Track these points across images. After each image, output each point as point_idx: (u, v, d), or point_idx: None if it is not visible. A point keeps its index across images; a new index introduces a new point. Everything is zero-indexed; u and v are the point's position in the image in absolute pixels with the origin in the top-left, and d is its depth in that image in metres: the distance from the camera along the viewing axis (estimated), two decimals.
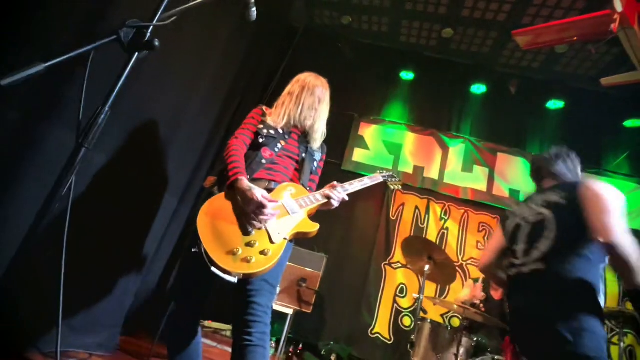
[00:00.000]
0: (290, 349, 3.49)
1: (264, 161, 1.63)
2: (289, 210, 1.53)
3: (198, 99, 2.90)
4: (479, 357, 2.71)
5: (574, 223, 1.47)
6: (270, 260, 1.39)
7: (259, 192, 1.44)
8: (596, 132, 4.63)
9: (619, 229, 1.37)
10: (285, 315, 3.52)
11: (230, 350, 1.45)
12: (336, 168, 4.70)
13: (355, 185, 1.78)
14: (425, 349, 2.90)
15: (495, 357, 2.64)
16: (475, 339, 2.86)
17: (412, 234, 4.59)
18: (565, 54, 4.32)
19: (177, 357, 1.55)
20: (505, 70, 4.81)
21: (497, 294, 3.44)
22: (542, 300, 1.46)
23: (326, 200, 1.61)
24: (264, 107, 1.83)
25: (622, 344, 2.82)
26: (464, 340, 2.77)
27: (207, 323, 3.65)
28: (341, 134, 4.88)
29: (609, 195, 1.45)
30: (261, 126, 1.71)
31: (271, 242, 1.43)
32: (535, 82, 4.77)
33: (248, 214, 1.44)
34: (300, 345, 3.56)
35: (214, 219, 1.45)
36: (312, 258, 3.72)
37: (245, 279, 1.41)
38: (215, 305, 3.16)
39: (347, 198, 1.67)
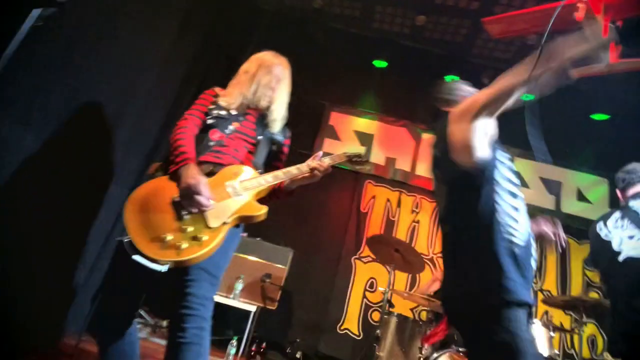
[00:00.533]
0: (253, 348, 3.33)
1: (211, 143, 1.53)
2: (231, 193, 1.41)
3: (152, 78, 2.66)
4: (444, 349, 2.65)
5: None
6: (204, 247, 1.26)
7: (200, 178, 1.33)
8: (563, 125, 4.65)
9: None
10: (248, 312, 3.34)
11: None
12: (305, 158, 4.52)
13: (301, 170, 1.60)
14: (391, 343, 2.83)
15: (460, 350, 2.57)
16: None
17: (383, 227, 4.50)
18: (536, 45, 4.29)
19: (107, 353, 1.40)
20: (478, 61, 4.74)
21: None
22: None
23: (274, 182, 1.52)
24: (217, 88, 1.72)
25: (582, 333, 2.83)
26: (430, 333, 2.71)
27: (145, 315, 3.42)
28: (311, 123, 4.71)
29: None
30: (212, 107, 1.61)
31: (207, 226, 1.31)
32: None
33: (183, 197, 1.32)
34: (264, 344, 3.40)
35: (145, 203, 1.34)
36: (277, 252, 3.55)
37: (182, 268, 1.28)
38: (154, 297, 2.95)
39: (327, 166, 1.59)
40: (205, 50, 3.39)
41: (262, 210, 1.44)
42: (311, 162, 1.58)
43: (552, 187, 4.70)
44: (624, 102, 4.56)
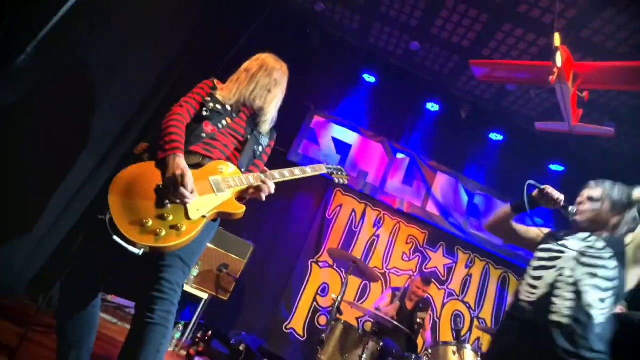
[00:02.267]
0: (199, 335, 3.34)
1: (203, 135, 1.55)
2: (214, 189, 1.45)
3: (139, 55, 2.61)
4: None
5: None
6: (181, 237, 1.30)
7: (187, 171, 1.36)
8: (524, 169, 5.02)
9: None
10: (199, 299, 3.35)
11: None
12: (281, 156, 4.58)
13: (293, 174, 1.69)
14: (334, 348, 2.94)
15: None
16: (381, 343, 2.96)
17: (344, 236, 4.64)
18: (514, 92, 4.59)
19: (65, 325, 1.41)
20: (459, 95, 4.99)
21: (410, 304, 3.60)
22: None
23: (258, 184, 1.54)
24: (216, 81, 1.73)
25: None
26: (371, 344, 2.87)
27: (109, 297, 3.36)
28: (292, 123, 4.76)
29: None
30: (208, 99, 1.63)
31: (187, 217, 1.34)
32: (483, 111, 5.02)
33: (167, 186, 1.34)
34: (210, 332, 3.42)
35: (130, 186, 1.35)
36: (238, 245, 3.58)
37: (158, 253, 1.32)
38: (120, 279, 2.91)
39: (272, 191, 1.57)
40: (198, 34, 3.36)
41: (241, 210, 1.48)
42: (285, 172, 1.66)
43: None
44: (579, 157, 4.99)
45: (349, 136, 4.97)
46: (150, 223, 1.27)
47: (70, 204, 2.57)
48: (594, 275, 1.57)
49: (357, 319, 4.29)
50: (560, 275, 1.61)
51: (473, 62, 3.43)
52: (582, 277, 1.58)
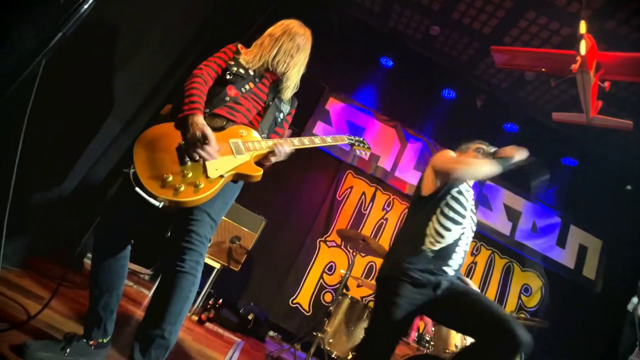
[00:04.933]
0: (210, 302, 3.47)
1: (227, 98, 1.58)
2: (233, 150, 1.50)
3: (166, 21, 2.65)
4: None
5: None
6: (199, 193, 1.36)
7: (207, 130, 1.39)
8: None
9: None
10: (211, 268, 3.47)
11: (147, 292, 1.41)
12: (295, 136, 4.62)
13: (313, 142, 1.73)
14: (340, 321, 3.04)
15: (402, 338, 2.84)
16: None
17: (353, 218, 4.71)
18: (532, 82, 4.56)
19: (97, 270, 1.49)
20: (477, 83, 4.97)
21: None
22: None
23: (274, 149, 1.57)
24: (239, 45, 1.75)
25: None
26: None
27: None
28: (307, 103, 4.79)
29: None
30: (232, 63, 1.65)
31: (206, 176, 1.40)
32: (499, 102, 5.00)
33: (189, 144, 1.39)
34: (220, 300, 3.55)
35: (154, 142, 1.42)
36: (250, 219, 3.67)
37: (187, 208, 1.39)
38: (136, 247, 3.03)
39: (288, 152, 1.62)
40: (221, 7, 3.38)
41: (259, 172, 1.52)
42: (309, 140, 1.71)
43: (512, 215, 5.08)
44: (593, 153, 4.97)
45: (363, 119, 4.99)
46: (170, 178, 1.33)
47: (94, 167, 2.66)
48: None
49: (362, 297, 4.39)
50: (463, 234, 1.77)
51: (494, 48, 3.42)
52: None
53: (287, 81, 1.72)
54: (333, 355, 2.88)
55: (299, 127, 4.73)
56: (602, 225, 5.14)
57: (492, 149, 1.97)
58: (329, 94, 4.97)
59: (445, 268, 1.68)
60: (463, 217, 1.76)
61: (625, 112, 4.28)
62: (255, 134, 1.59)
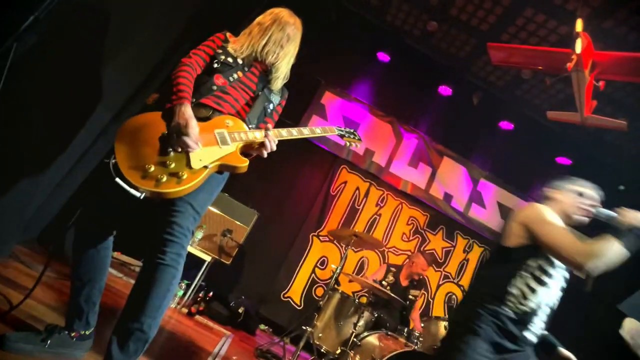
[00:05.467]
0: (200, 295, 3.46)
1: (214, 87, 1.55)
2: (218, 141, 1.46)
3: (159, 10, 2.60)
4: (375, 330, 2.92)
5: None
6: (181, 184, 1.33)
7: (192, 120, 1.37)
8: (531, 161, 5.02)
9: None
10: (202, 261, 3.46)
11: None
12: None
13: (302, 134, 1.68)
14: (329, 315, 3.04)
15: (389, 333, 2.85)
16: (376, 314, 3.06)
17: (346, 213, 4.71)
18: (529, 80, 4.54)
19: (78, 263, 1.46)
20: (473, 80, 4.95)
21: (406, 281, 3.69)
22: None
23: (262, 140, 1.52)
24: (228, 34, 1.70)
25: None
26: (366, 314, 2.96)
27: (116, 254, 3.47)
28: (303, 97, 4.76)
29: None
30: (220, 51, 1.61)
31: (189, 166, 1.37)
32: (495, 99, 4.99)
33: (171, 134, 1.37)
34: (211, 293, 3.54)
35: (136, 132, 1.40)
36: (243, 212, 3.65)
37: (170, 200, 1.37)
38: (127, 238, 3.01)
39: (274, 149, 1.55)
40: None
41: (244, 163, 1.49)
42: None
43: (505, 213, 5.09)
44: (588, 152, 4.98)
45: (359, 114, 4.96)
46: (152, 169, 1.31)
47: (83, 156, 2.62)
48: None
49: (353, 292, 4.40)
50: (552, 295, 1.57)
51: (491, 45, 3.40)
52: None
53: (277, 72, 1.69)
54: (322, 350, 2.89)
55: (294, 120, 4.70)
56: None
57: (607, 214, 1.57)
58: (324, 87, 4.94)
59: (526, 334, 1.51)
60: (552, 277, 1.55)
61: (621, 112, 4.28)
62: (241, 124, 1.56)
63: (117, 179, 1.28)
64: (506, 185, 5.12)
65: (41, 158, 2.29)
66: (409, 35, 4.80)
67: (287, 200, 4.58)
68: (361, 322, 2.87)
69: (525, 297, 1.50)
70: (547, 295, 1.54)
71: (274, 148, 1.55)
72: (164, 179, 1.31)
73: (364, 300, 4.28)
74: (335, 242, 4.56)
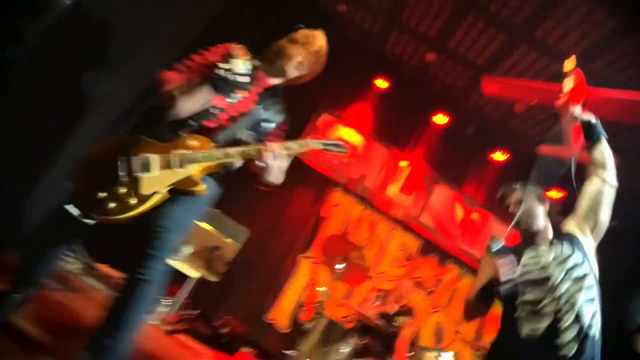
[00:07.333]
0: (184, 312, 3.37)
1: (209, 106, 1.52)
2: (172, 164, 1.43)
3: (170, 20, 2.66)
4: (360, 357, 2.85)
5: None
6: (129, 211, 1.35)
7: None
8: None
9: None
10: (189, 278, 3.38)
11: None
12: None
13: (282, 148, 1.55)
14: (315, 340, 2.98)
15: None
16: (362, 342, 2.99)
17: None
18: (522, 114, 4.64)
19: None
20: (469, 110, 5.05)
21: (393, 307, 3.63)
22: None
23: (224, 160, 1.49)
24: (232, 46, 1.57)
25: None
26: (352, 340, 2.89)
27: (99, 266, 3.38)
28: (300, 119, 4.80)
29: None
30: (223, 63, 1.52)
31: (139, 192, 1.38)
32: (489, 130, 5.07)
33: (122, 161, 1.40)
34: (195, 312, 3.45)
35: (98, 158, 1.44)
36: (234, 229, 3.61)
37: (155, 217, 1.39)
38: (110, 251, 2.95)
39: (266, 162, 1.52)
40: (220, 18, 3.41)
41: (197, 187, 1.44)
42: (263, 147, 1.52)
43: None
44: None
45: (354, 138, 5.01)
46: (102, 195, 1.34)
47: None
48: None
49: (343, 317, 4.31)
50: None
51: (484, 79, 3.49)
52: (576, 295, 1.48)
53: (274, 95, 1.70)
54: None
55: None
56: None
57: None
58: (322, 110, 5.00)
59: None
60: None
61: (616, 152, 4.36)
62: (204, 144, 1.48)
63: (68, 206, 1.34)
64: (499, 216, 5.13)
65: (30, 164, 2.26)
66: (408, 64, 4.93)
67: (279, 219, 4.54)
68: (347, 349, 2.81)
69: None
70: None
71: (267, 161, 1.50)
72: (112, 205, 1.34)
73: (350, 325, 4.21)
74: (324, 264, 4.50)
